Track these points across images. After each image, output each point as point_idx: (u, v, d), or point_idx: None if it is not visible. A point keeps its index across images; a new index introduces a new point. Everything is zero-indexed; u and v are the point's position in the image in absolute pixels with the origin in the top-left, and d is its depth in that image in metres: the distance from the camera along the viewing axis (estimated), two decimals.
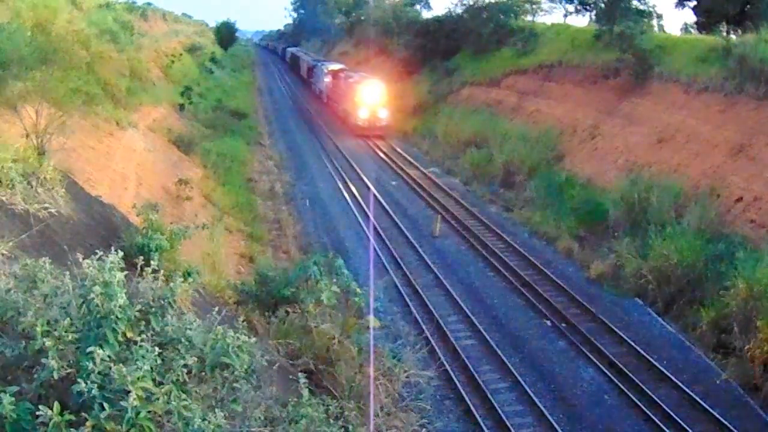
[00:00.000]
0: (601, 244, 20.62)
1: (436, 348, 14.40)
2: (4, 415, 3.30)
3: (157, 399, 3.66)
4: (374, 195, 26.64)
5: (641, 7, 34.05)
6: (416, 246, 21.60)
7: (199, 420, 3.69)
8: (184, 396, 3.84)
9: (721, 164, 20.63)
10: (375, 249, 20.29)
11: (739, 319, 14.11)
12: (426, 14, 62.97)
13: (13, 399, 3.34)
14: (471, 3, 48.15)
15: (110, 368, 3.59)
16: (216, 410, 3.90)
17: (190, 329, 4.36)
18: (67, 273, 4.32)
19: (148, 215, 7.31)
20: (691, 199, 19.78)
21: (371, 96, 41.27)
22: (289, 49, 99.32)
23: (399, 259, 20.30)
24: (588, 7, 40.37)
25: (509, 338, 15.93)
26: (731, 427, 12.10)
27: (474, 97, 40.12)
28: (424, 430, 8.98)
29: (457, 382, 13.47)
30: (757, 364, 13.34)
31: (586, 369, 14.50)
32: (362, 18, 76.03)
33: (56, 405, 3.42)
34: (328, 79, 53.22)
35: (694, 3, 32.54)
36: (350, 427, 6.23)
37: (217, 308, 4.98)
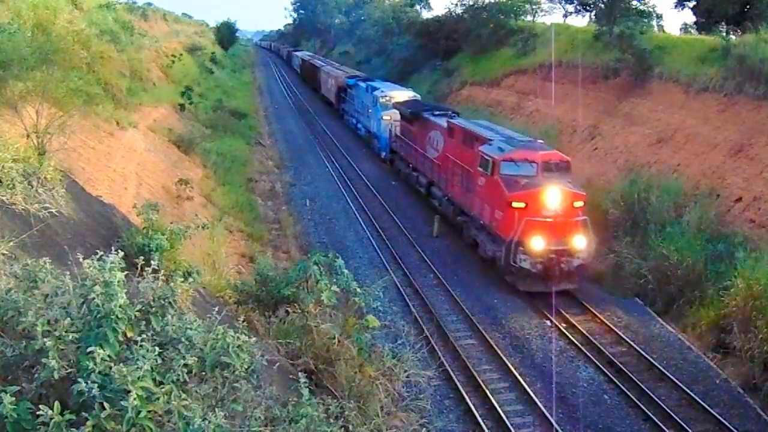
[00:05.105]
0: (600, 244, 20.60)
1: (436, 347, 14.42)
2: (5, 415, 3.30)
3: (158, 398, 3.66)
4: None
5: (641, 8, 34.11)
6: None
7: (200, 419, 3.69)
8: (184, 396, 3.84)
9: (721, 164, 20.63)
10: None
11: (739, 319, 14.13)
12: (426, 14, 63.25)
13: (13, 399, 3.33)
14: (471, 3, 48.25)
15: (110, 368, 3.59)
16: (216, 410, 3.90)
17: (191, 329, 4.36)
18: (68, 273, 4.32)
19: (149, 215, 7.28)
20: (690, 199, 19.80)
21: (553, 200, 17.27)
22: (298, 54, 75.85)
23: None
24: (588, 8, 40.38)
25: (509, 338, 15.95)
26: (731, 427, 12.11)
27: (474, 97, 40.12)
28: (424, 429, 8.96)
29: (457, 382, 13.50)
30: (756, 364, 13.36)
31: (586, 369, 14.52)
32: (363, 18, 76.08)
33: (56, 405, 3.42)
34: (388, 119, 30.82)
35: (694, 3, 32.53)
36: (350, 427, 6.23)
37: (217, 308, 4.98)
